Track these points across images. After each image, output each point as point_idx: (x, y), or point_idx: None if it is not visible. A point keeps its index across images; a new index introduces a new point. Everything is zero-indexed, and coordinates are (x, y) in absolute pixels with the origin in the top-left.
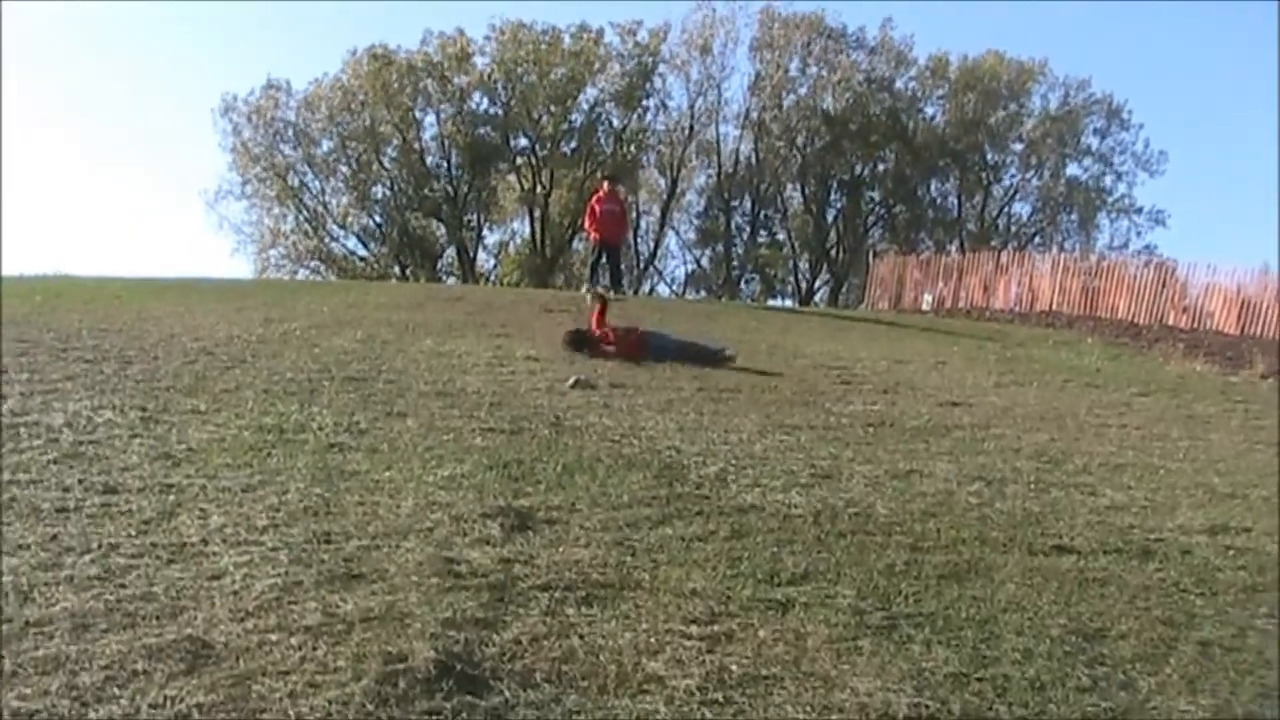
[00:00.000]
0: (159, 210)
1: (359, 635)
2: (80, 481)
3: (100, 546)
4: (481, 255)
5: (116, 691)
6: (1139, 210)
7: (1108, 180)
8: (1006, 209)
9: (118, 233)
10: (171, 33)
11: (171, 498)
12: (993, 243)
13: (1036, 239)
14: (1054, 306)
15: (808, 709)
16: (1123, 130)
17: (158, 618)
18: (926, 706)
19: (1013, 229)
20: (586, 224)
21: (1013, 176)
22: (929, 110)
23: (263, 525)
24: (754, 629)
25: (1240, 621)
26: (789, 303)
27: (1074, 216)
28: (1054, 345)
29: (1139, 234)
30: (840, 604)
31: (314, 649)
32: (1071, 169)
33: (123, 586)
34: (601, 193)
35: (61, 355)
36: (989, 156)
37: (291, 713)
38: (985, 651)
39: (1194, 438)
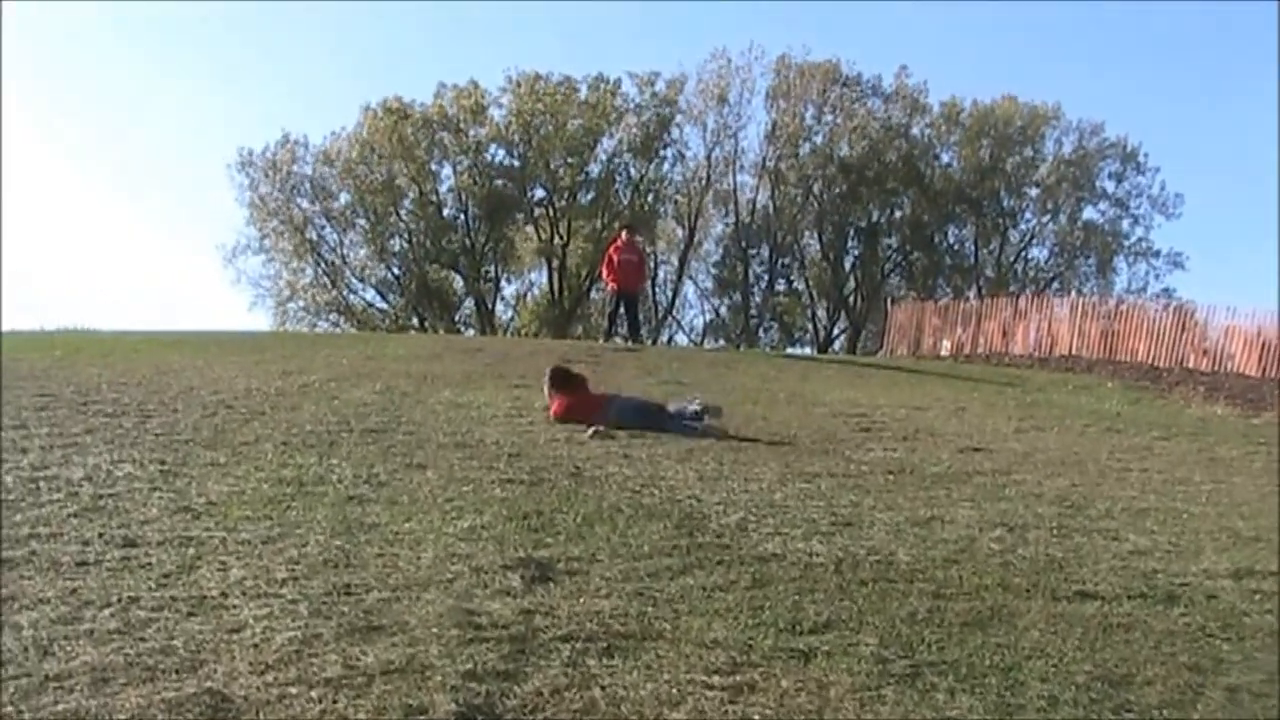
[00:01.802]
0: (178, 265)
1: (380, 688)
2: (100, 535)
3: (120, 600)
4: (499, 306)
5: None
6: (1156, 253)
7: (1124, 224)
8: (1023, 253)
9: (137, 287)
10: (188, 88)
11: (191, 551)
12: (1010, 288)
13: (1054, 283)
14: (1073, 351)
15: None
16: (1138, 174)
17: (177, 671)
18: None
19: (1030, 273)
20: (604, 274)
21: (1029, 221)
22: (944, 156)
23: (282, 578)
24: (776, 679)
25: (1268, 666)
26: (807, 350)
27: (1091, 260)
28: (1074, 390)
29: (1157, 277)
30: (863, 652)
31: (334, 702)
32: (1088, 213)
33: (142, 640)
34: (620, 242)
35: (81, 409)
36: (1005, 201)
37: None
38: (1010, 699)
39: (1217, 481)
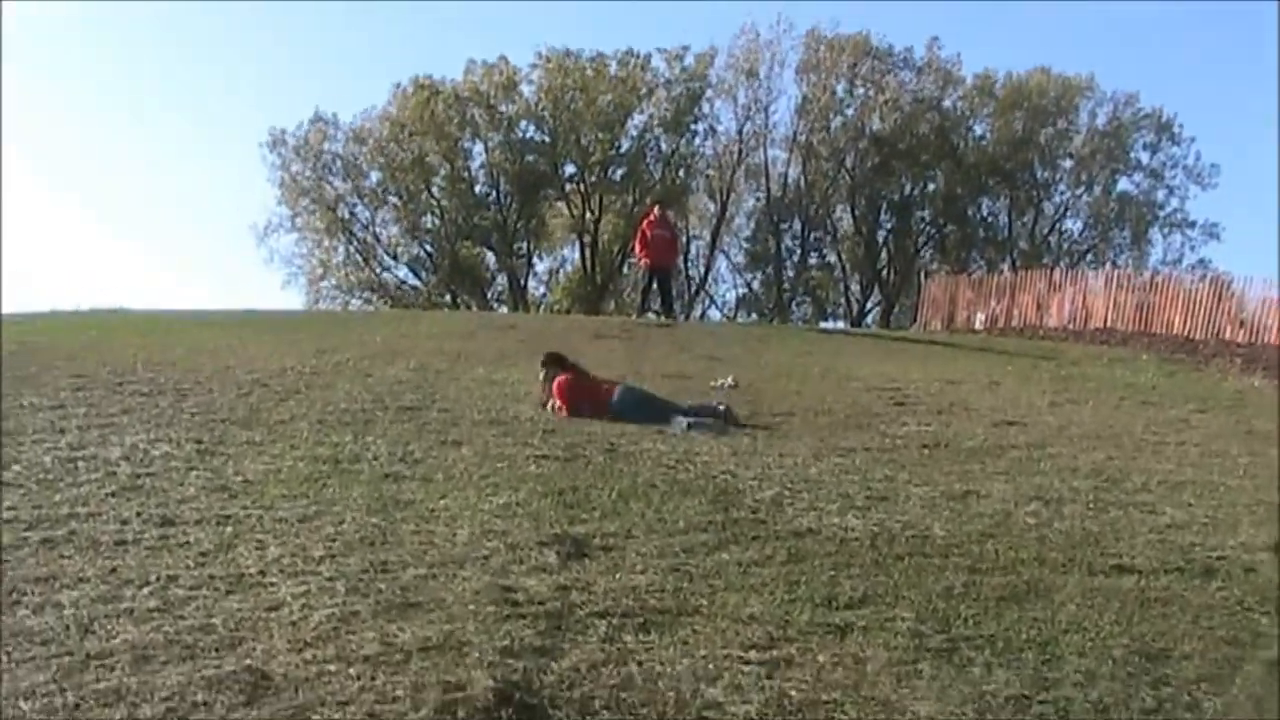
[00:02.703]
0: (211, 245)
1: (417, 665)
2: (138, 514)
3: (159, 579)
4: (532, 283)
5: None
6: (1192, 224)
7: (1159, 195)
8: (1058, 226)
9: (171, 267)
10: (219, 68)
11: (229, 529)
12: (1044, 260)
13: (1089, 256)
14: (1108, 323)
15: None
16: (1173, 144)
17: (217, 649)
18: None
19: (1064, 246)
20: (637, 249)
21: (1063, 193)
22: (977, 129)
23: (319, 555)
24: (813, 653)
25: None
26: (840, 325)
27: (1126, 232)
28: (1109, 363)
29: (1193, 248)
30: (899, 627)
31: (373, 679)
32: (1122, 184)
33: (182, 618)
34: (652, 217)
35: (118, 389)
36: (1039, 174)
37: None
38: (1047, 674)
39: (1254, 454)
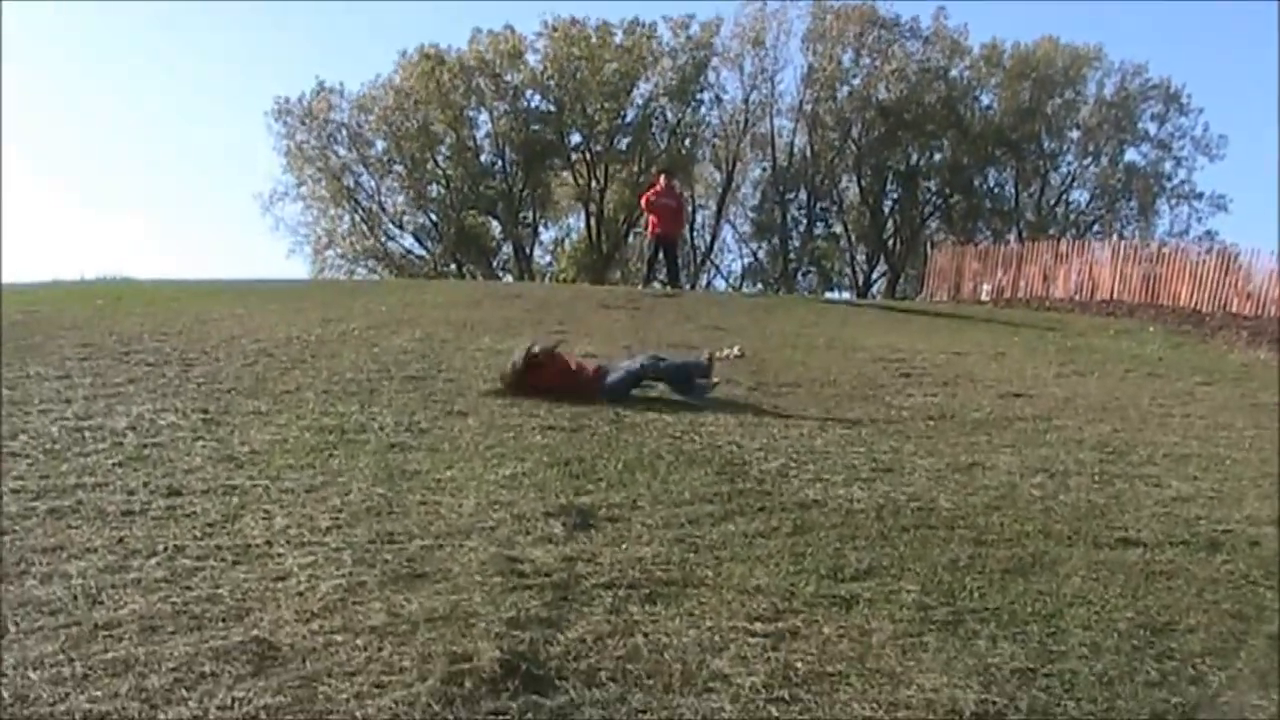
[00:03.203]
0: (215, 213)
1: (424, 635)
2: (145, 484)
3: (166, 549)
4: (537, 252)
5: (185, 693)
6: (1199, 196)
7: (1167, 166)
8: (1064, 197)
9: (175, 235)
10: (222, 37)
11: (235, 500)
12: (1051, 231)
13: (1095, 226)
14: (1114, 295)
15: (874, 706)
16: (1181, 115)
17: (224, 619)
18: (993, 703)
19: (1071, 217)
20: (651, 218)
21: (1070, 164)
22: (984, 99)
23: (326, 526)
24: (818, 625)
25: None
26: (846, 295)
27: (1133, 203)
28: (1115, 334)
29: (1200, 220)
30: (904, 600)
31: (379, 649)
32: (1130, 155)
33: (189, 589)
34: (658, 187)
35: (124, 358)
36: (1046, 144)
37: (358, 714)
38: (1052, 646)
39: (1259, 427)
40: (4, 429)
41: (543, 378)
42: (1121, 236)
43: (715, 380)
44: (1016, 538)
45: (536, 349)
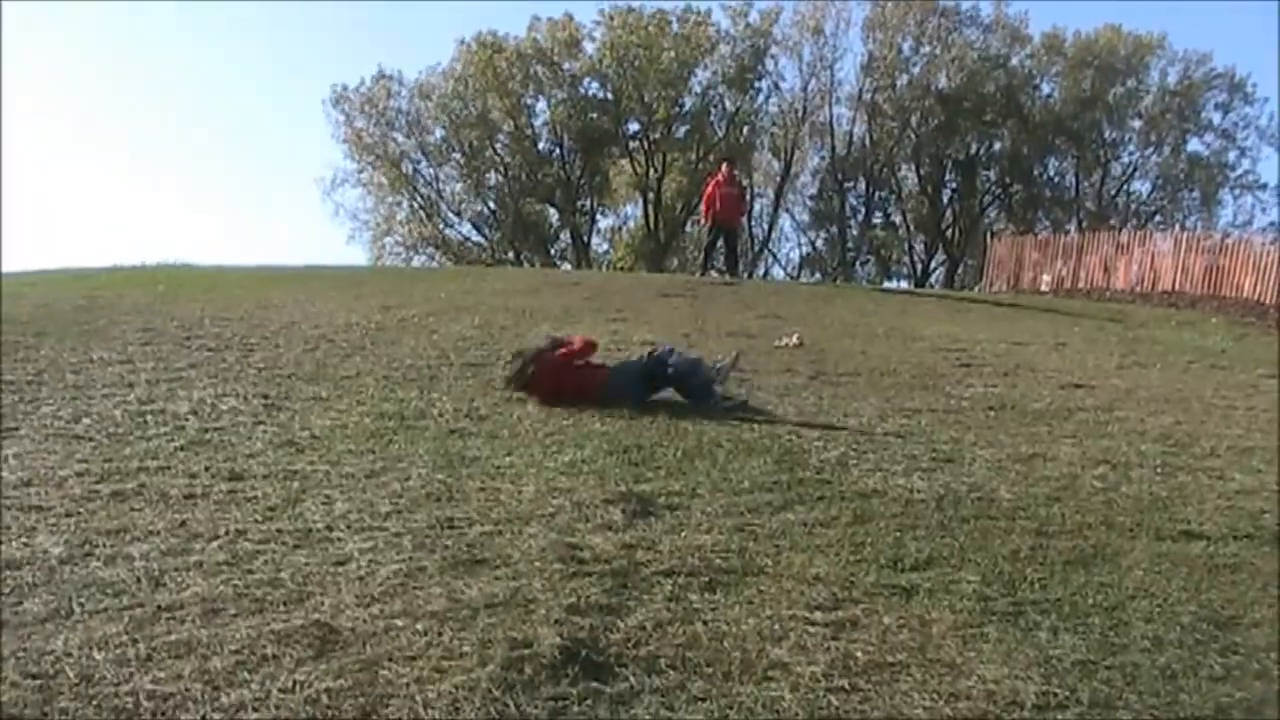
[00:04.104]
0: (277, 199)
1: (484, 621)
2: (207, 468)
3: (227, 533)
4: (595, 240)
5: (247, 676)
6: (1263, 186)
7: (1231, 156)
8: (1125, 187)
9: (236, 221)
10: (285, 27)
11: (296, 484)
12: (1112, 221)
13: (1157, 217)
14: (1176, 286)
15: (934, 696)
16: (1246, 104)
17: (285, 603)
18: (1054, 694)
19: (1132, 207)
20: (704, 207)
21: (1131, 154)
22: (1045, 87)
23: (386, 511)
24: (878, 615)
25: None
26: (904, 284)
27: (1195, 193)
28: (1177, 326)
29: (1264, 210)
30: (965, 590)
31: (439, 634)
32: (1193, 145)
33: (250, 572)
34: (720, 176)
35: (185, 344)
36: (1107, 133)
37: (418, 698)
38: (1113, 639)
39: None
40: (69, 411)
41: (543, 380)
42: (1184, 227)
43: (738, 396)
44: (1078, 529)
45: (534, 350)
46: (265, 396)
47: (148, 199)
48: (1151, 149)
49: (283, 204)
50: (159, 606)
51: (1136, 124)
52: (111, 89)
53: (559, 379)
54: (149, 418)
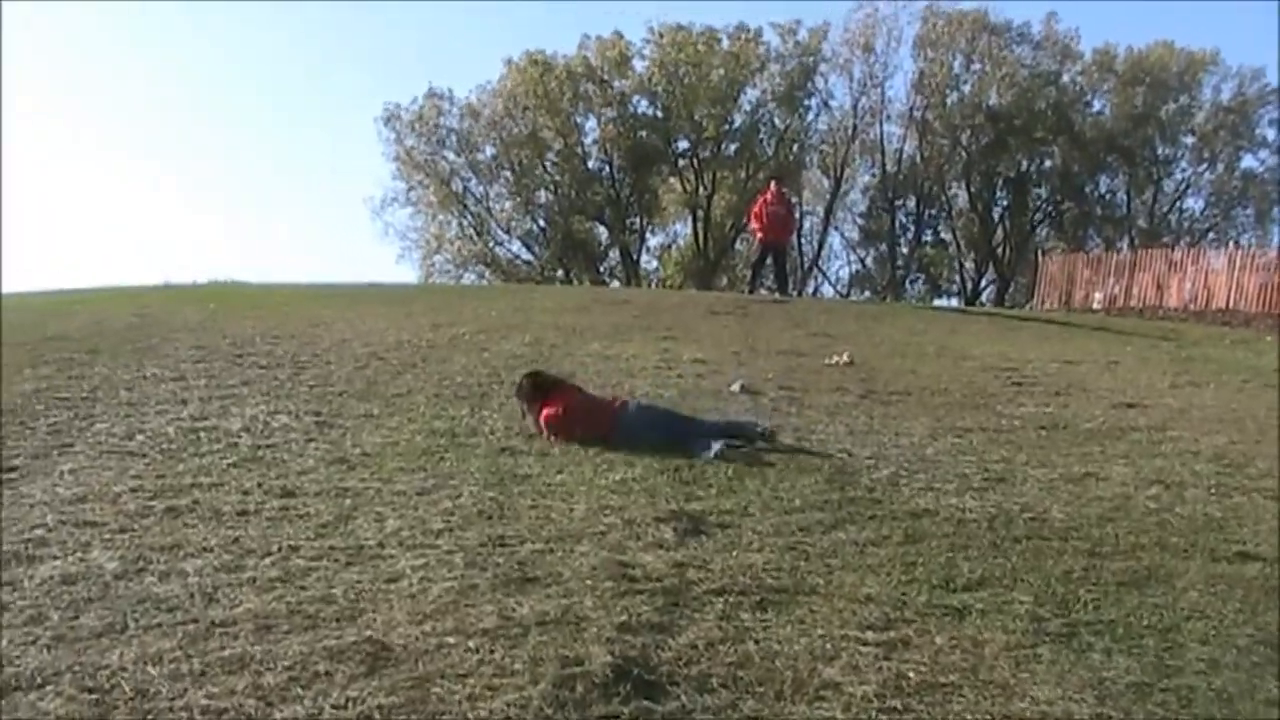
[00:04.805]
0: (326, 218)
1: (535, 639)
2: (259, 485)
3: (280, 549)
4: (644, 257)
5: (300, 692)
6: None
7: None
8: (1178, 204)
9: (284, 241)
10: (333, 44)
11: (348, 501)
12: (1164, 239)
13: (1210, 234)
14: (1230, 304)
15: (987, 717)
16: None
17: (337, 620)
18: (1109, 717)
19: (1185, 225)
20: (753, 225)
21: (1184, 171)
22: (1096, 104)
23: (438, 529)
24: (930, 635)
25: None
26: (955, 302)
27: (1249, 210)
28: (1231, 344)
29: None
30: (1017, 610)
31: (491, 652)
32: (1247, 161)
33: (303, 588)
34: (769, 194)
35: (237, 361)
36: (1159, 150)
37: (470, 715)
38: (1168, 661)
39: None
40: (123, 428)
41: (557, 411)
42: (1238, 245)
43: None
44: (1131, 550)
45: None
46: (317, 414)
47: (196, 218)
48: (1204, 165)
49: (334, 222)
50: (212, 622)
51: (1189, 140)
52: (165, 108)
53: (577, 419)
54: (202, 434)
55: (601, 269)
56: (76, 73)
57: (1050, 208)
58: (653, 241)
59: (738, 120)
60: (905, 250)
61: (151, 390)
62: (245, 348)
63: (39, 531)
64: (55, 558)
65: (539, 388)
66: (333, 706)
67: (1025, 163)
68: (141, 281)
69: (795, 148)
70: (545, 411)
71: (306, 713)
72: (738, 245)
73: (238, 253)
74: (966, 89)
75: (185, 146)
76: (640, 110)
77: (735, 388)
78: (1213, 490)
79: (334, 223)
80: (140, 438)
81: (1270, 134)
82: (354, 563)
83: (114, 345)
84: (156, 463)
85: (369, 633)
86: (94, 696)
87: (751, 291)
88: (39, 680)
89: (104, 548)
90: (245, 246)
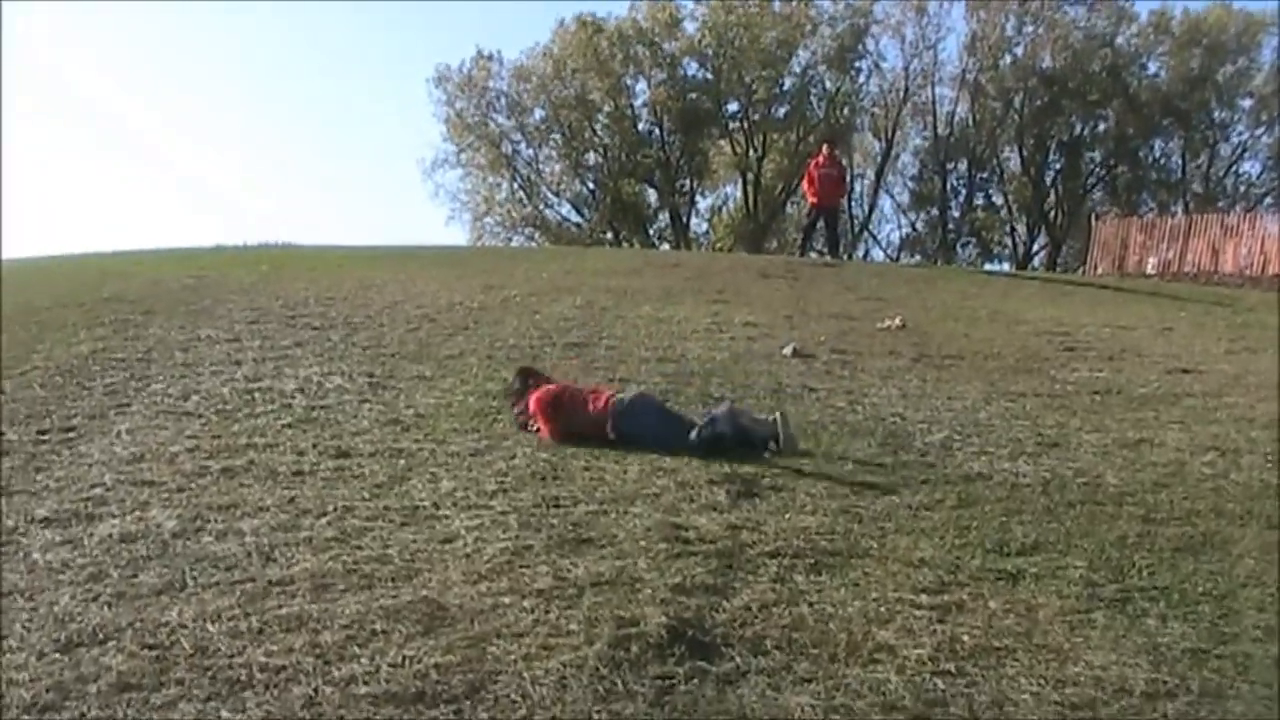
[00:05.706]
0: (378, 180)
1: (590, 599)
2: (314, 446)
3: (336, 509)
4: (694, 220)
5: (357, 650)
6: None
7: None
8: (1234, 168)
9: (336, 202)
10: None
11: (402, 462)
12: (1219, 203)
13: (1267, 199)
14: None
15: (1041, 682)
16: None
17: (393, 579)
18: (1164, 682)
19: (1241, 189)
20: (805, 188)
21: (1241, 134)
22: (1151, 67)
23: (492, 490)
24: (984, 600)
25: None
26: (1006, 267)
27: None
28: None
29: None
30: (1071, 575)
31: (546, 612)
32: None
33: (359, 548)
34: (821, 157)
35: (290, 323)
36: (1215, 114)
37: (526, 675)
38: (1224, 627)
39: None
40: (178, 389)
41: (554, 403)
42: None
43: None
44: (1186, 516)
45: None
46: (370, 375)
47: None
48: (1262, 129)
49: (384, 185)
50: (270, 581)
51: (1246, 103)
52: (220, 69)
53: (569, 407)
54: (257, 395)
55: (651, 232)
56: (139, 31)
57: (1104, 172)
58: (702, 204)
59: (788, 83)
60: (956, 214)
61: (206, 351)
62: (298, 309)
63: (98, 490)
64: (114, 516)
65: (526, 380)
66: (390, 665)
67: (1079, 126)
68: (196, 244)
69: (846, 110)
70: (535, 394)
71: (364, 671)
72: (788, 208)
73: (291, 214)
74: (1019, 51)
75: (240, 113)
76: (690, 72)
77: (787, 351)
78: (1269, 457)
79: (386, 184)
80: (196, 398)
81: None
82: (409, 523)
83: (169, 307)
84: (212, 423)
85: (425, 592)
86: (154, 653)
87: (803, 254)
88: (101, 636)
89: (162, 507)
90: (299, 208)
